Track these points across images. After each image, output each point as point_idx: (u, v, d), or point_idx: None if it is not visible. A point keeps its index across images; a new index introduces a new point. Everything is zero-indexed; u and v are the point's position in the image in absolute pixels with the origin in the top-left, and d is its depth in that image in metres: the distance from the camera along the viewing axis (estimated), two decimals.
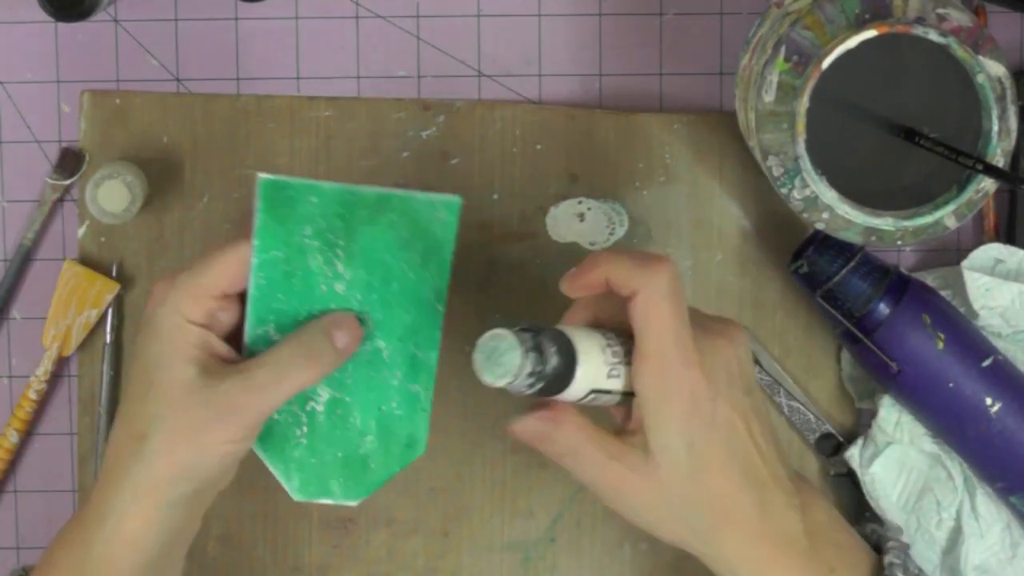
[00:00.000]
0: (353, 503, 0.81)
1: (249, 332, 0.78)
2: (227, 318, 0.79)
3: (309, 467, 0.80)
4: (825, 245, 0.89)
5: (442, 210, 0.78)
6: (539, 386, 0.73)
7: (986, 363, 0.89)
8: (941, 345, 0.88)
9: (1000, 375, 0.89)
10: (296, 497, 0.81)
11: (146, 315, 0.78)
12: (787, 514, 0.75)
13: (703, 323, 0.76)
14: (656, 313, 0.73)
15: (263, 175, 0.76)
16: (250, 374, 0.76)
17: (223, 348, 0.78)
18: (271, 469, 0.80)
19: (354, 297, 0.79)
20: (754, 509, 0.75)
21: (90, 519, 0.78)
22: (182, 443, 0.76)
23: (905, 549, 0.79)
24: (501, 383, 0.73)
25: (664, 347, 0.73)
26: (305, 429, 0.80)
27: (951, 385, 0.89)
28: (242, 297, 0.78)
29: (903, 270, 0.91)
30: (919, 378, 0.89)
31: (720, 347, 0.75)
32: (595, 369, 0.74)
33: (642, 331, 0.74)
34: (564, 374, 0.74)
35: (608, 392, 0.75)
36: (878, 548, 0.80)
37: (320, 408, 0.80)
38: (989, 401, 0.89)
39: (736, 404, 0.75)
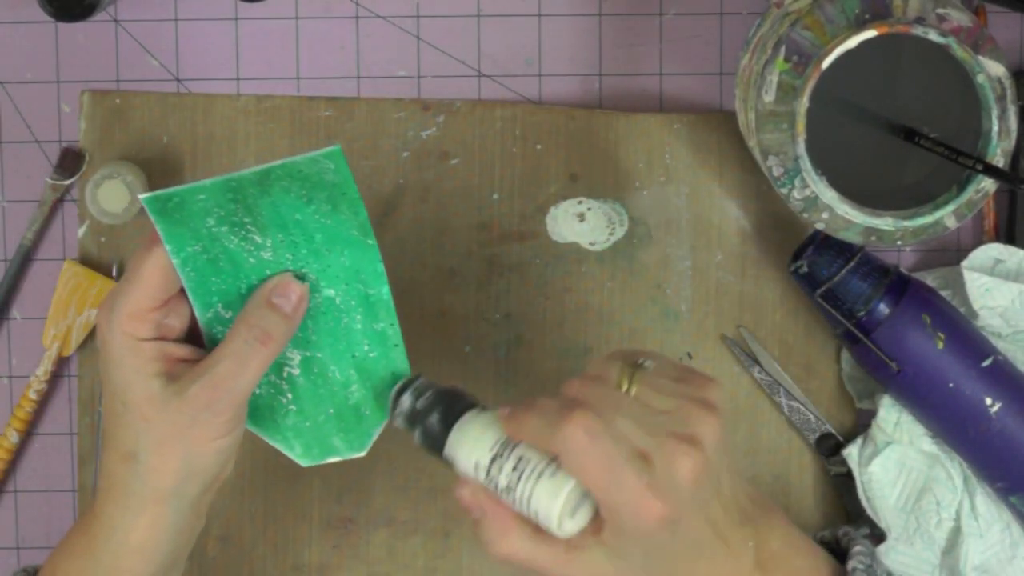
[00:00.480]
0: (361, 454, 0.81)
1: (201, 321, 0.79)
2: (177, 320, 0.79)
3: (305, 431, 0.80)
4: (825, 245, 0.89)
5: (326, 160, 0.76)
6: (414, 425, 0.76)
7: (986, 363, 0.89)
8: (941, 345, 0.88)
9: (1000, 375, 0.89)
10: (304, 463, 0.81)
11: (99, 343, 0.78)
12: (740, 560, 0.74)
13: (653, 428, 0.72)
14: (585, 472, 0.71)
15: (142, 195, 0.76)
16: (213, 371, 0.76)
17: (182, 351, 0.78)
18: (271, 443, 0.80)
19: (284, 257, 0.79)
20: (706, 573, 0.74)
21: (96, 531, 0.79)
22: (171, 453, 0.77)
23: (872, 554, 0.78)
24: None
25: (610, 500, 0.71)
26: (289, 396, 0.80)
27: (951, 385, 0.89)
28: (183, 293, 0.79)
29: (903, 270, 0.91)
30: (919, 378, 0.89)
31: (680, 454, 0.71)
32: (477, 441, 0.74)
33: (586, 485, 0.72)
34: (438, 424, 0.76)
35: (496, 461, 0.74)
36: (847, 551, 0.79)
37: (296, 371, 0.80)
38: (989, 401, 0.89)
39: (699, 506, 0.72)
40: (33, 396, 0.95)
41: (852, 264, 0.89)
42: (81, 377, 0.95)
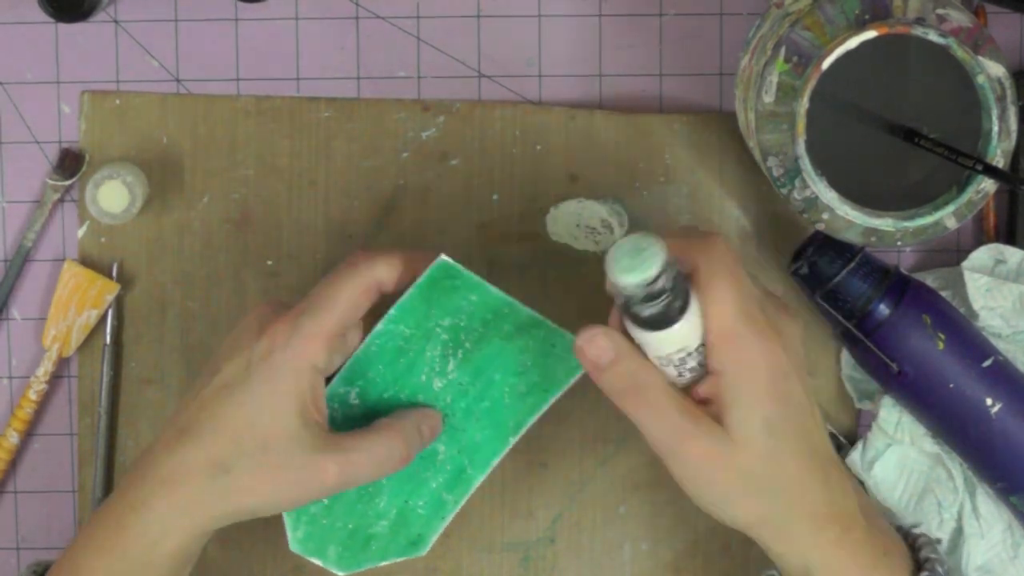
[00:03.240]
0: (340, 573, 0.83)
1: (332, 386, 0.79)
2: (339, 360, 0.80)
3: (318, 526, 0.82)
4: (825, 246, 0.89)
5: (575, 358, 0.77)
6: (662, 303, 0.72)
7: (986, 364, 0.89)
8: (941, 346, 0.88)
9: (1000, 375, 0.89)
10: (293, 548, 0.82)
11: (258, 354, 0.77)
12: (847, 494, 0.75)
13: (765, 296, 0.76)
14: (721, 288, 0.72)
15: (444, 257, 0.77)
16: (349, 455, 0.77)
17: (322, 404, 0.78)
18: (283, 514, 0.81)
19: (445, 398, 0.81)
20: (823, 492, 0.74)
21: (130, 524, 0.77)
22: (262, 488, 0.77)
23: (936, 544, 0.80)
24: (637, 279, 0.71)
25: (737, 324, 0.72)
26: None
27: (951, 386, 0.89)
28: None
29: (903, 270, 0.91)
30: (919, 379, 0.89)
31: (786, 323, 0.75)
32: (693, 326, 0.74)
33: (711, 307, 0.72)
34: (681, 307, 0.73)
35: (689, 357, 0.74)
36: (913, 547, 0.80)
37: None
38: (989, 401, 0.89)
39: (805, 381, 0.74)
40: (33, 397, 0.95)
41: (852, 265, 0.89)
42: (81, 378, 0.95)
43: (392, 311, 0.78)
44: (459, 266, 0.78)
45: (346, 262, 0.79)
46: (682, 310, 0.73)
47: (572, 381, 0.81)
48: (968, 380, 0.89)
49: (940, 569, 0.77)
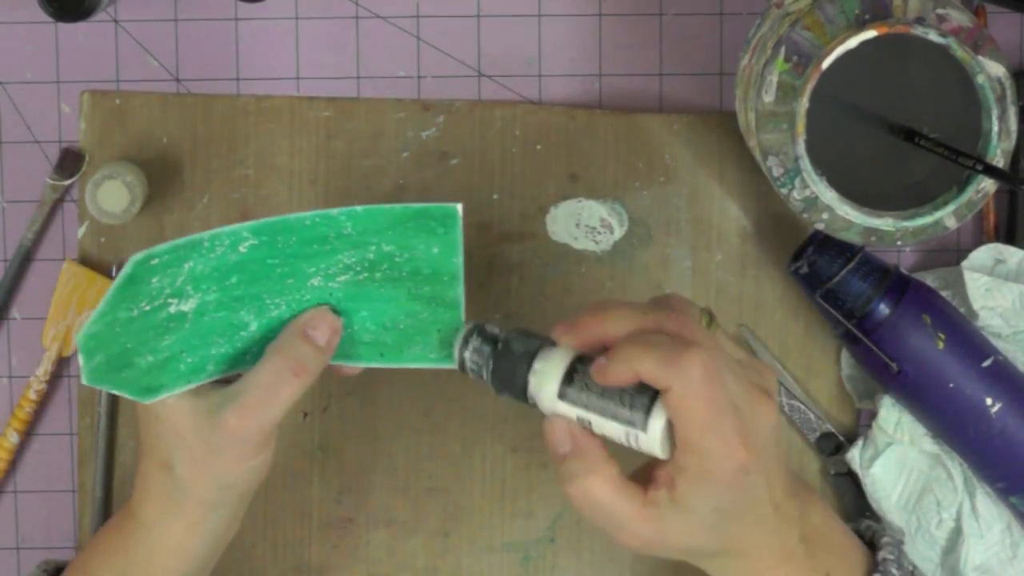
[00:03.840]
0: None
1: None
2: None
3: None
4: (825, 245, 0.89)
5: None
6: (484, 353, 0.76)
7: (986, 363, 0.89)
8: (941, 345, 0.88)
9: (1000, 375, 0.89)
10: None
11: None
12: (787, 532, 0.76)
13: (742, 381, 0.74)
14: (691, 409, 0.71)
15: (458, 208, 0.78)
16: (243, 399, 0.77)
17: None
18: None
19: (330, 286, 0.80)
20: (760, 544, 0.75)
21: (131, 529, 0.80)
22: (203, 470, 0.77)
23: (899, 545, 0.80)
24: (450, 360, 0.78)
25: (705, 441, 0.72)
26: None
27: (951, 385, 0.89)
28: None
29: (903, 270, 0.91)
30: (919, 378, 0.89)
31: (762, 413, 0.73)
32: (552, 377, 0.75)
33: (681, 422, 0.72)
34: (512, 363, 0.75)
35: (601, 415, 0.74)
36: (872, 545, 0.80)
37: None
38: (989, 401, 0.89)
39: (767, 467, 0.74)
40: (33, 396, 0.95)
41: (852, 264, 0.89)
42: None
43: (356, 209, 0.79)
44: (458, 222, 0.78)
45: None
46: (515, 363, 0.76)
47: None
48: (968, 380, 0.89)
49: (894, 570, 0.77)
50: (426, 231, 0.78)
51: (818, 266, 0.90)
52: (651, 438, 0.73)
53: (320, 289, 0.79)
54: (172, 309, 0.77)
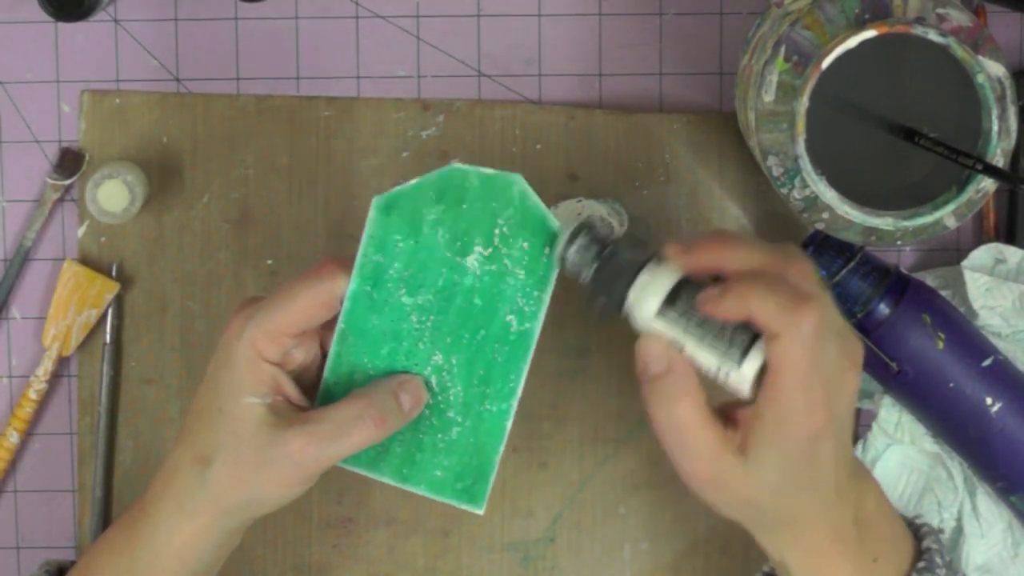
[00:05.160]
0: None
1: (329, 366, 0.79)
2: (302, 355, 0.79)
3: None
4: (825, 245, 0.89)
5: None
6: (590, 253, 0.74)
7: (986, 363, 0.89)
8: (941, 345, 0.88)
9: (1000, 375, 0.89)
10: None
11: (222, 342, 0.78)
12: (843, 511, 0.76)
13: (839, 347, 0.74)
14: (794, 362, 0.71)
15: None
16: (315, 426, 0.76)
17: (293, 391, 0.78)
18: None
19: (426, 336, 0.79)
20: (817, 517, 0.75)
21: (141, 526, 0.79)
22: (243, 479, 0.77)
23: (939, 535, 0.80)
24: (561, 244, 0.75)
25: (795, 396, 0.72)
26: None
27: (951, 385, 0.89)
28: (326, 326, 0.78)
29: (903, 270, 0.91)
30: (919, 378, 0.89)
31: (848, 382, 0.74)
32: (655, 293, 0.73)
33: (778, 371, 0.72)
34: (616, 270, 0.73)
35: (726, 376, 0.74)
36: (916, 532, 0.80)
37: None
38: (989, 401, 0.89)
39: (839, 439, 0.74)
40: (33, 396, 0.95)
41: (852, 264, 0.89)
42: (81, 377, 0.95)
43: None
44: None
45: (315, 267, 0.78)
46: (623, 269, 0.73)
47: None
48: (968, 379, 0.89)
49: (938, 559, 0.77)
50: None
51: (818, 266, 0.90)
52: (743, 376, 0.73)
53: (441, 363, 0.79)
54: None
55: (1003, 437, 0.89)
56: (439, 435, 0.79)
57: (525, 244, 0.76)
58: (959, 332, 0.89)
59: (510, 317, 0.77)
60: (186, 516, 0.78)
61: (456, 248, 0.77)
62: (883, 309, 0.89)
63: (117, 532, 0.81)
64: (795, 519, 0.75)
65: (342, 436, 0.76)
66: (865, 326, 0.89)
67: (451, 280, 0.77)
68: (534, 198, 0.76)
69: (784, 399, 0.72)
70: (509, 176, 0.76)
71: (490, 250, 0.76)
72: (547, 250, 0.76)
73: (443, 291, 0.77)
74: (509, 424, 0.78)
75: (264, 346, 0.76)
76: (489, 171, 0.76)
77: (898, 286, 0.89)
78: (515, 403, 0.78)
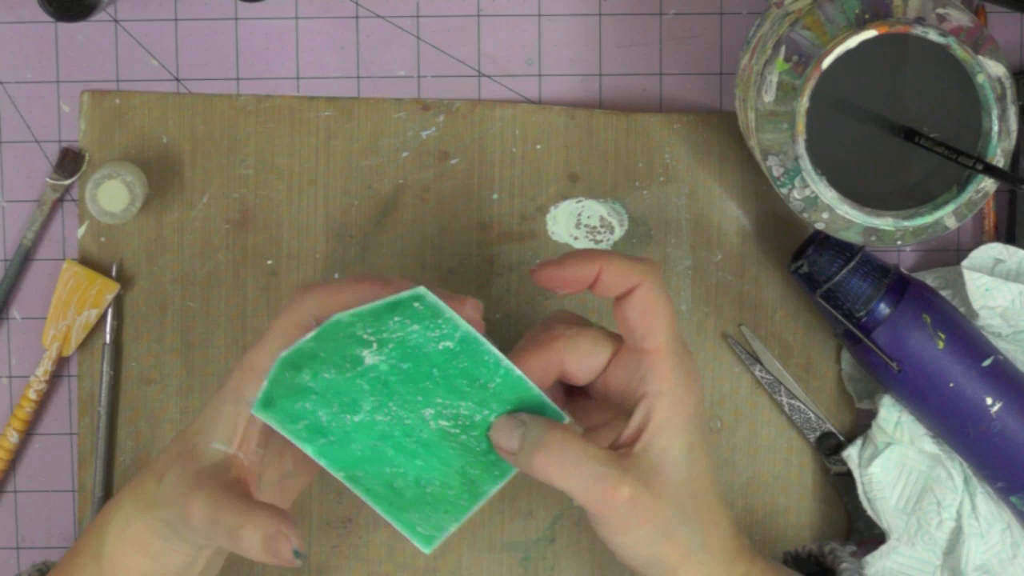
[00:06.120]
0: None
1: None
2: (301, 482, 0.81)
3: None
4: (825, 245, 0.89)
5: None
6: None
7: (986, 363, 0.89)
8: (941, 345, 0.88)
9: (1000, 375, 0.89)
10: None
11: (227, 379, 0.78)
12: (740, 540, 0.77)
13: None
14: (660, 305, 0.74)
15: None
16: (218, 513, 0.75)
17: (249, 436, 0.77)
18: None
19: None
20: (729, 525, 0.76)
21: (98, 524, 0.80)
22: (175, 501, 0.76)
23: (860, 568, 0.80)
24: None
25: (675, 344, 0.73)
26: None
27: (951, 385, 0.89)
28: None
29: (903, 270, 0.91)
30: (919, 378, 0.89)
31: (691, 357, 0.77)
32: None
33: (648, 325, 0.73)
34: None
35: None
36: (833, 570, 0.81)
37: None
38: (989, 401, 0.89)
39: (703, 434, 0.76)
40: (33, 396, 0.95)
41: (852, 264, 0.89)
42: (81, 377, 0.95)
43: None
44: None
45: (289, 297, 0.79)
46: None
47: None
48: (968, 379, 0.89)
49: None
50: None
51: (818, 266, 0.90)
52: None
53: (415, 424, 0.78)
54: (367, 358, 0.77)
55: (1003, 437, 0.89)
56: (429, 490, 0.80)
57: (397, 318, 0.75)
58: (959, 332, 0.89)
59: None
60: (139, 511, 0.78)
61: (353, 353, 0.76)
62: (883, 309, 0.89)
63: (88, 535, 0.81)
64: (713, 528, 0.75)
65: (234, 545, 0.75)
66: (865, 326, 0.89)
67: (371, 380, 0.77)
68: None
69: (666, 350, 0.74)
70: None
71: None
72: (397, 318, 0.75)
73: (376, 388, 0.77)
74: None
75: (246, 383, 0.76)
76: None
77: (898, 286, 0.89)
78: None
